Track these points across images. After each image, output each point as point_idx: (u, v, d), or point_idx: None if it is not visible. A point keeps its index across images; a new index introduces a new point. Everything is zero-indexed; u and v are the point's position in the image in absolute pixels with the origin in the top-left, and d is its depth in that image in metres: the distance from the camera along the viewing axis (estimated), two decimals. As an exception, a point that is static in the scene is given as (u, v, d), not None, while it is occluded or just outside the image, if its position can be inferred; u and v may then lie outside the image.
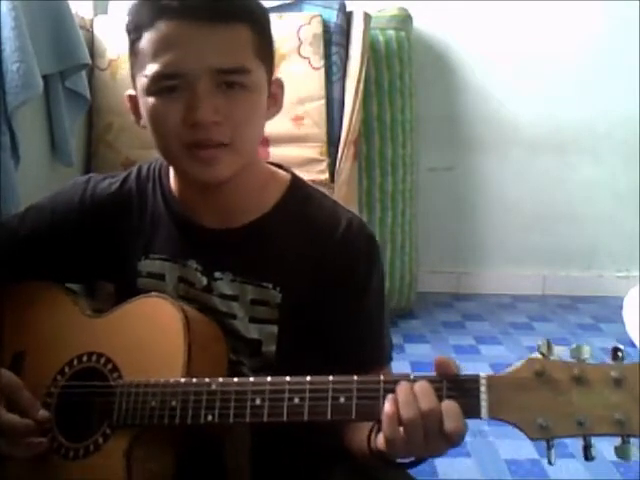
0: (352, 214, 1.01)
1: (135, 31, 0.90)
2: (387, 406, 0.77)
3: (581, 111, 3.21)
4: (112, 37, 2.46)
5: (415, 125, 3.01)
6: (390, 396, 0.77)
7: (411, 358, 2.57)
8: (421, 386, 0.77)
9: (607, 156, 3.25)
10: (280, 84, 0.98)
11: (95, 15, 2.57)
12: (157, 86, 0.88)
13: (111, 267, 1.04)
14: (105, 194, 1.04)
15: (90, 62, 2.07)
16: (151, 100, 0.89)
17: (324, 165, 2.45)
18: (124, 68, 2.43)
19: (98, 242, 1.03)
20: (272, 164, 1.04)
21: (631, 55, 3.10)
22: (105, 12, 2.63)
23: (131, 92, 0.96)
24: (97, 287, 1.15)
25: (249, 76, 0.89)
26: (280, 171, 1.03)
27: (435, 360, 0.79)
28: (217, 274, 0.98)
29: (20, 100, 1.62)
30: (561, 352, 0.73)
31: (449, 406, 0.75)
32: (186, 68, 0.86)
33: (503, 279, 3.33)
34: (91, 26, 2.49)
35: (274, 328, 0.98)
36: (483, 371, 0.78)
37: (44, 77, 1.76)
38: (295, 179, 1.02)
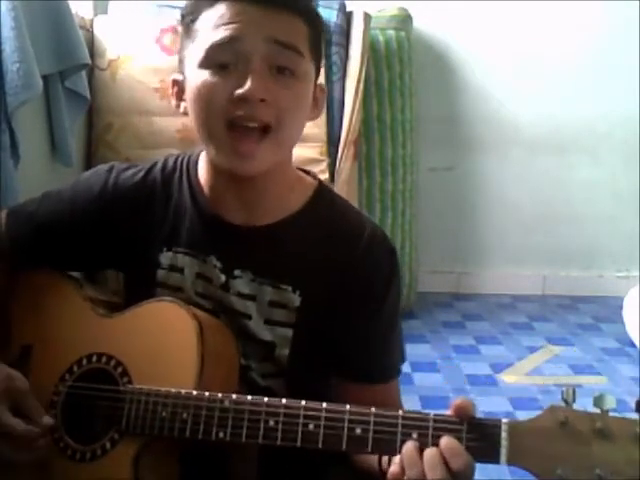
0: (375, 225, 1.00)
1: (192, 13, 0.91)
2: (392, 468, 0.76)
3: (581, 111, 3.21)
4: (112, 37, 2.47)
5: (415, 125, 3.02)
6: (396, 458, 0.77)
7: (411, 358, 2.57)
8: (450, 446, 0.75)
9: (607, 156, 3.25)
10: (322, 89, 0.98)
11: (95, 15, 2.57)
12: (211, 58, 0.88)
13: (129, 257, 1.03)
14: (128, 184, 1.02)
15: (90, 62, 2.07)
16: (203, 73, 0.88)
17: (324, 165, 2.46)
18: (124, 68, 2.44)
19: (118, 232, 1.01)
20: (299, 169, 1.04)
21: (631, 55, 3.10)
22: (105, 12, 2.63)
23: (176, 76, 0.96)
24: (99, 279, 1.14)
25: (302, 62, 0.90)
26: (307, 176, 1.03)
27: (454, 403, 0.77)
28: (237, 272, 0.97)
29: (20, 100, 1.62)
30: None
31: (451, 444, 0.75)
32: (243, 36, 0.86)
33: (503, 279, 3.34)
34: (91, 26, 2.49)
35: (289, 332, 0.97)
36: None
37: (44, 77, 1.76)
38: (322, 185, 1.02)
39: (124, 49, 2.45)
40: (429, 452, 0.75)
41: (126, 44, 2.45)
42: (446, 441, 0.75)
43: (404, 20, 2.95)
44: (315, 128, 2.43)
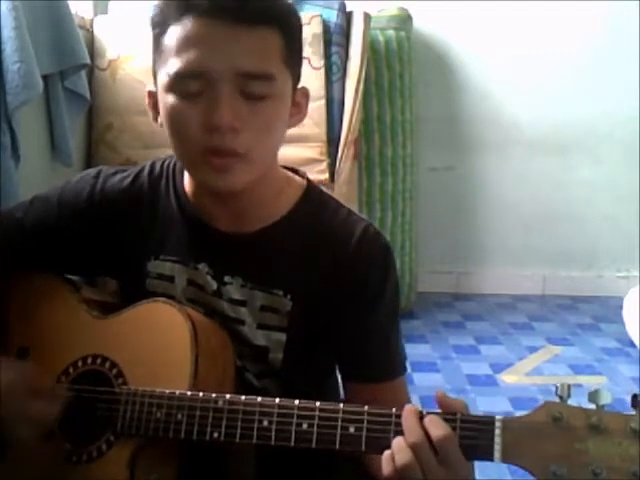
0: (367, 222, 0.98)
1: (160, 25, 0.87)
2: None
3: (581, 111, 3.21)
4: (112, 37, 2.47)
5: (415, 125, 3.01)
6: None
7: (411, 358, 2.55)
8: (431, 418, 0.76)
9: (607, 156, 3.25)
10: (305, 93, 0.95)
11: (95, 15, 2.58)
12: (178, 86, 0.85)
13: (118, 265, 1.02)
14: (116, 190, 1.01)
15: (89, 62, 2.08)
16: (171, 99, 0.86)
17: (324, 165, 2.46)
18: (124, 68, 2.44)
19: (106, 238, 1.01)
20: (287, 168, 1.02)
21: (631, 55, 3.10)
22: (105, 12, 2.63)
23: (151, 88, 0.94)
24: (98, 280, 1.14)
25: (274, 84, 0.86)
26: (296, 177, 1.01)
27: (437, 398, 0.78)
28: (227, 278, 0.97)
29: (20, 100, 1.62)
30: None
31: (431, 418, 0.75)
32: (209, 67, 0.83)
33: (503, 279, 3.33)
34: (91, 26, 2.49)
35: (282, 336, 0.97)
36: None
37: (44, 77, 1.76)
38: (310, 186, 1.01)
39: (124, 49, 2.45)
40: (429, 416, 0.76)
41: (126, 44, 2.45)
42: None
43: (404, 20, 2.95)
44: (315, 128, 2.43)
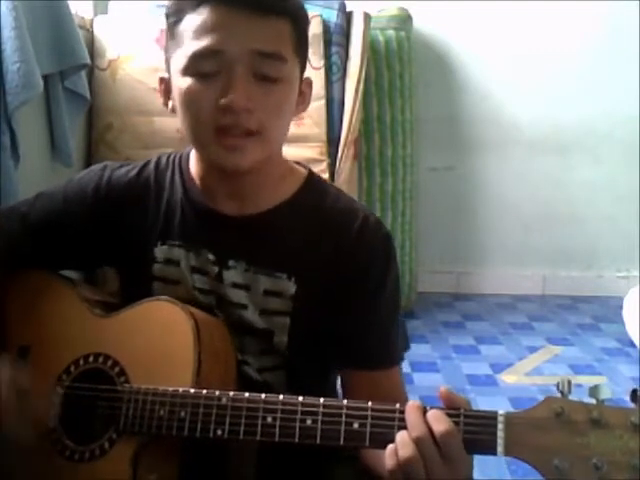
0: (369, 211, 1.01)
1: (176, 14, 0.91)
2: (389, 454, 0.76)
3: (581, 111, 3.22)
4: (112, 37, 2.47)
5: (415, 125, 3.02)
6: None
7: (411, 358, 2.57)
8: (434, 413, 0.76)
9: (607, 156, 3.25)
10: (309, 83, 0.99)
11: (95, 15, 2.58)
12: (194, 67, 0.88)
13: (124, 253, 1.03)
14: (122, 182, 1.03)
15: (89, 62, 2.07)
16: (186, 81, 0.89)
17: (324, 165, 2.46)
18: (124, 68, 2.44)
19: (113, 229, 1.02)
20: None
21: (631, 55, 3.10)
22: (105, 12, 2.63)
23: (163, 75, 0.97)
24: (98, 280, 1.14)
25: (285, 66, 0.90)
26: (298, 166, 1.04)
27: (440, 395, 0.78)
28: (231, 262, 0.98)
29: (20, 100, 1.62)
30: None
31: (434, 413, 0.76)
32: (225, 48, 0.87)
33: (503, 279, 3.34)
34: (91, 26, 2.49)
35: (286, 320, 0.97)
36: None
37: (44, 77, 1.76)
38: (312, 174, 1.03)
39: (124, 49, 2.45)
40: (433, 411, 0.76)
41: (126, 44, 2.45)
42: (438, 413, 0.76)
43: (404, 20, 2.95)
44: (315, 128, 2.43)
